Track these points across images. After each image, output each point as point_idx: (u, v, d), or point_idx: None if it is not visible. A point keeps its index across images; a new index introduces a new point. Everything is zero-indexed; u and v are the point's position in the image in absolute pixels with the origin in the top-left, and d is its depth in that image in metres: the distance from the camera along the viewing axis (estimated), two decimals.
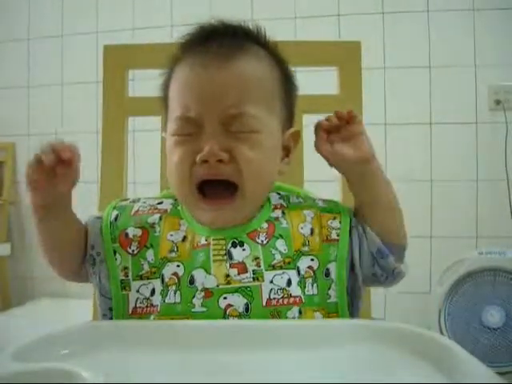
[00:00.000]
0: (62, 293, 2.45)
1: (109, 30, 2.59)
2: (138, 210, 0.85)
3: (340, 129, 0.82)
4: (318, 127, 0.83)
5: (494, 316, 1.99)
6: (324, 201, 0.88)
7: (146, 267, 0.79)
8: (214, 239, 0.79)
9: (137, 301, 0.78)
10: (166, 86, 0.85)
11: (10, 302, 2.62)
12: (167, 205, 0.86)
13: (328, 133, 0.83)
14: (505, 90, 2.35)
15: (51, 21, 2.69)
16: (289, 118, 0.87)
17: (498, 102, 2.34)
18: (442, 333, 1.98)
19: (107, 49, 1.15)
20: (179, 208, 0.85)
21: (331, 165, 0.84)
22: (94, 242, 0.83)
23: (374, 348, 0.66)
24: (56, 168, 0.72)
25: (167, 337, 0.68)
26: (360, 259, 0.83)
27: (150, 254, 0.80)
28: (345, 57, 1.13)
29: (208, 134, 0.76)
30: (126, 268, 0.80)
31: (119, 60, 1.14)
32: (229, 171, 0.77)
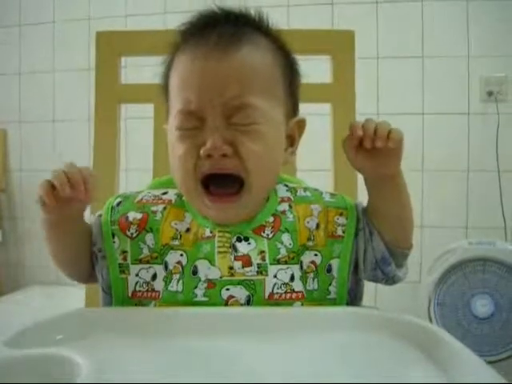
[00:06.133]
0: (54, 281, 2.45)
1: (101, 17, 2.57)
2: (141, 199, 0.84)
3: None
4: (352, 129, 0.75)
5: (483, 305, 2.01)
6: (331, 195, 0.87)
7: (146, 251, 0.79)
8: (219, 231, 0.79)
9: (136, 284, 0.78)
10: (166, 76, 0.84)
11: (1, 289, 2.62)
12: (172, 195, 0.85)
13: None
14: (497, 81, 2.35)
15: (43, 7, 2.67)
16: (293, 106, 0.85)
17: (490, 94, 2.35)
18: (431, 322, 2.00)
19: (100, 35, 1.14)
20: (184, 199, 0.83)
21: (351, 165, 0.80)
22: (95, 239, 0.82)
23: (369, 336, 0.66)
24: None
25: (161, 324, 0.69)
26: (364, 262, 0.83)
27: (149, 238, 0.79)
28: (338, 46, 1.12)
29: (210, 127, 0.75)
30: (124, 252, 0.79)
31: (112, 47, 1.14)
32: (233, 165, 0.75)
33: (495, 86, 2.35)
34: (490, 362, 1.92)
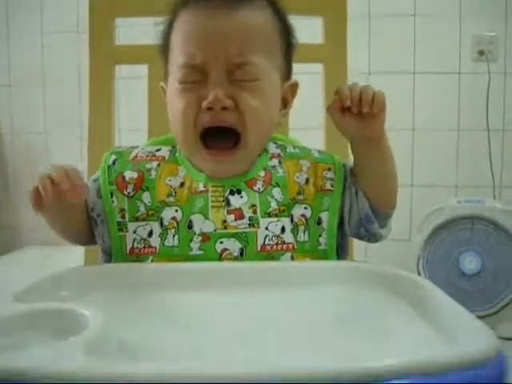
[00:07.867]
0: (50, 241, 2.45)
1: None
2: (136, 156, 0.86)
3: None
4: (338, 94, 0.79)
5: (471, 263, 2.05)
6: (319, 152, 0.90)
7: (143, 209, 0.81)
8: (212, 186, 0.82)
9: (134, 241, 0.81)
10: (166, 35, 0.86)
11: None
12: (165, 152, 0.87)
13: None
14: (488, 40, 2.35)
15: None
16: (288, 71, 0.88)
17: (481, 53, 2.35)
18: None
19: None
20: (177, 155, 0.86)
21: (337, 128, 0.83)
22: (92, 204, 0.84)
23: (361, 288, 0.69)
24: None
25: (160, 279, 0.71)
26: (349, 219, 0.86)
27: (146, 197, 0.82)
28: (330, 7, 1.12)
29: (213, 81, 0.78)
30: (122, 210, 0.82)
31: (106, 8, 1.13)
32: (233, 119, 0.78)
33: (486, 45, 2.34)
34: (479, 317, 1.97)
